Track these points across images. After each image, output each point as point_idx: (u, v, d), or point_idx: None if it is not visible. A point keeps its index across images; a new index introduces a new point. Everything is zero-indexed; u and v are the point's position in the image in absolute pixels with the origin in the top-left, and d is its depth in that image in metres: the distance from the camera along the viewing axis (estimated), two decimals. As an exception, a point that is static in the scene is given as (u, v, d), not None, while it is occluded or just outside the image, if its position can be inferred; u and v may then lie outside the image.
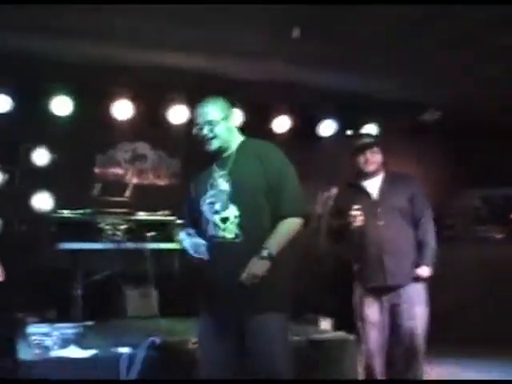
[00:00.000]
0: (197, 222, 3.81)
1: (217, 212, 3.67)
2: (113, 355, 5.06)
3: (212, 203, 3.69)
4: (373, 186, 4.78)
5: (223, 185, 3.69)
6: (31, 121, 6.93)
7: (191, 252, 3.72)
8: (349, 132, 7.91)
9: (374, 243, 4.67)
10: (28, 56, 5.96)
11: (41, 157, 7.19)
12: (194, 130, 3.77)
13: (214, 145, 3.71)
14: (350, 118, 7.95)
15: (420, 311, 4.64)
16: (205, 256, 3.67)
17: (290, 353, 3.73)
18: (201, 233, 3.77)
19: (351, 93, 7.20)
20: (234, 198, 3.64)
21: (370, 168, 4.75)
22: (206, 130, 3.70)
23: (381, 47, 6.03)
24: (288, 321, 3.72)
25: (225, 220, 3.65)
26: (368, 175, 4.77)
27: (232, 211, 3.64)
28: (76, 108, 7.02)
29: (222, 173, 3.72)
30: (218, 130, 3.69)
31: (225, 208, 3.65)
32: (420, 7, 5.14)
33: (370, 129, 7.62)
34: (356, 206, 4.54)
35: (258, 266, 3.52)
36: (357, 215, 4.54)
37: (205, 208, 3.72)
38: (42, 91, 6.85)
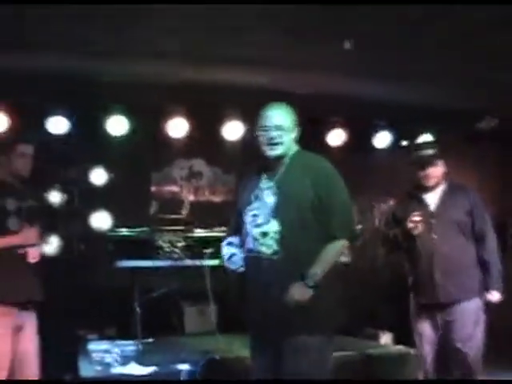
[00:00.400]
0: (239, 232, 3.73)
1: (258, 225, 3.54)
2: (172, 372, 5.09)
3: (255, 216, 3.57)
4: (432, 197, 4.66)
5: (269, 197, 3.56)
6: (88, 141, 7.02)
7: (225, 261, 3.67)
8: (404, 143, 7.83)
9: (426, 258, 4.55)
10: (83, 77, 6.05)
11: (98, 176, 7.29)
12: (258, 133, 3.62)
13: (278, 151, 3.56)
14: (405, 129, 7.87)
15: (474, 331, 4.46)
16: (237, 268, 3.60)
17: (328, 375, 3.56)
18: (241, 244, 3.69)
19: (406, 103, 7.12)
20: (277, 212, 3.50)
21: (430, 183, 4.64)
22: (274, 134, 3.55)
23: (434, 56, 5.95)
24: (330, 343, 3.56)
25: (264, 234, 3.51)
26: (428, 188, 4.67)
27: (273, 226, 3.49)
28: (131, 127, 7.09)
29: (269, 184, 3.59)
30: (287, 137, 3.56)
31: (267, 222, 3.51)
32: (472, 16, 5.06)
33: (426, 139, 7.51)
34: (416, 213, 4.47)
35: (301, 294, 3.38)
36: (417, 221, 4.46)
37: (247, 219, 3.60)
38: (97, 112, 6.95)
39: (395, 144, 7.96)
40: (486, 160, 8.48)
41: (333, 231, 3.49)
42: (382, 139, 7.97)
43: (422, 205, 4.66)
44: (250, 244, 3.57)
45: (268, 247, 3.49)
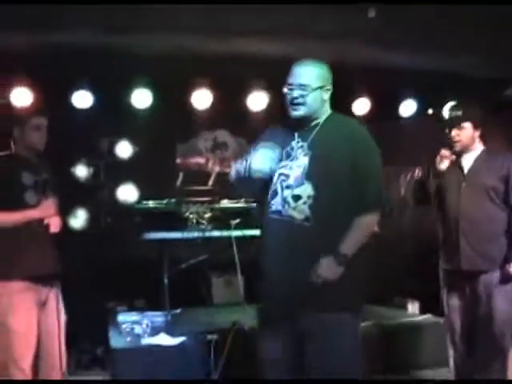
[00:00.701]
0: (261, 190, 3.44)
1: (289, 187, 3.27)
2: (201, 342, 5.13)
3: (285, 175, 3.31)
4: (467, 161, 4.54)
5: (301, 157, 3.29)
6: (112, 115, 7.04)
7: (254, 168, 3.37)
8: (430, 111, 7.75)
9: (453, 221, 4.44)
10: (105, 50, 6.04)
11: (124, 149, 7.33)
12: (284, 90, 3.39)
13: (300, 112, 3.31)
14: (430, 98, 7.79)
15: (502, 305, 4.33)
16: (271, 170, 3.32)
17: (360, 354, 3.37)
18: (263, 204, 3.41)
19: (431, 72, 7.05)
20: (312, 174, 3.23)
21: (458, 145, 4.52)
22: (296, 93, 3.30)
23: (458, 23, 5.87)
24: (358, 320, 3.41)
25: (297, 198, 3.23)
26: (462, 151, 4.55)
27: (307, 189, 3.22)
28: (155, 100, 7.10)
29: (301, 144, 3.32)
30: (310, 97, 3.30)
31: (299, 184, 3.24)
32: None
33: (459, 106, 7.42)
34: (445, 148, 4.40)
35: (332, 271, 3.17)
36: (445, 156, 4.38)
37: (275, 178, 3.34)
38: (121, 85, 6.96)
39: (421, 112, 7.89)
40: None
41: (367, 202, 3.29)
42: (408, 108, 7.91)
43: (456, 168, 4.55)
44: (278, 206, 3.29)
45: (300, 212, 3.23)
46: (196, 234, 6.17)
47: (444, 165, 4.46)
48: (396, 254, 7.40)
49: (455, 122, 4.55)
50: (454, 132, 4.53)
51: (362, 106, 7.57)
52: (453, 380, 4.59)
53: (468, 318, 4.51)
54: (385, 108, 7.79)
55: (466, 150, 4.56)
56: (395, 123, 7.88)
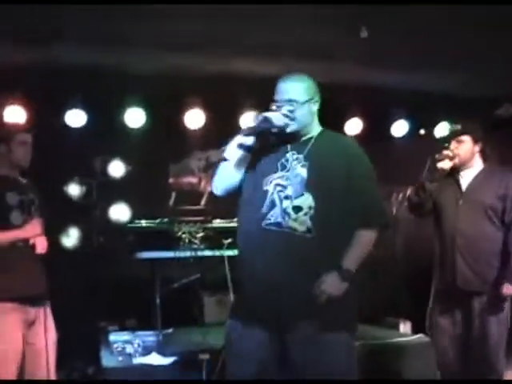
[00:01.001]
0: (247, 202, 3.35)
1: (288, 197, 3.19)
2: (193, 361, 5.11)
3: (282, 186, 3.22)
4: (465, 178, 4.49)
5: (298, 168, 3.22)
6: (105, 134, 7.05)
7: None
8: (422, 131, 7.80)
9: (449, 239, 4.39)
10: (99, 69, 6.07)
11: (116, 169, 7.33)
12: (272, 107, 3.31)
13: (291, 128, 3.26)
14: (423, 118, 7.83)
15: (495, 329, 4.29)
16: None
17: (355, 373, 3.26)
18: (249, 217, 3.29)
19: (423, 91, 7.09)
20: (311, 185, 3.18)
21: (457, 159, 4.44)
22: (284, 110, 3.24)
23: (451, 44, 5.91)
24: (354, 340, 3.31)
25: (298, 209, 3.15)
26: (460, 166, 4.49)
27: (307, 200, 3.16)
28: (148, 119, 7.12)
29: (297, 156, 3.26)
30: (298, 112, 3.25)
31: (299, 195, 3.17)
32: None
33: (444, 127, 7.47)
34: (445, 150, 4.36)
35: (336, 286, 3.12)
36: (445, 155, 4.32)
37: (270, 189, 3.24)
38: (114, 104, 6.97)
39: (413, 132, 7.94)
40: (505, 147, 8.41)
41: (370, 220, 3.26)
42: (400, 128, 7.95)
43: (454, 184, 4.52)
44: (278, 217, 3.18)
45: (301, 224, 3.15)
46: (188, 254, 6.15)
47: (445, 164, 4.40)
48: (389, 272, 7.41)
49: (454, 135, 4.54)
50: (453, 146, 4.48)
51: (353, 126, 7.60)
52: (453, 380, 4.52)
53: (459, 340, 4.46)
54: (376, 128, 7.82)
55: (464, 165, 4.51)
56: (387, 143, 7.91)
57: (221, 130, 7.45)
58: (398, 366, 5.69)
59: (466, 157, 4.50)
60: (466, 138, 4.50)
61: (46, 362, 4.22)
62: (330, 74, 6.46)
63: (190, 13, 5.02)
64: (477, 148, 4.53)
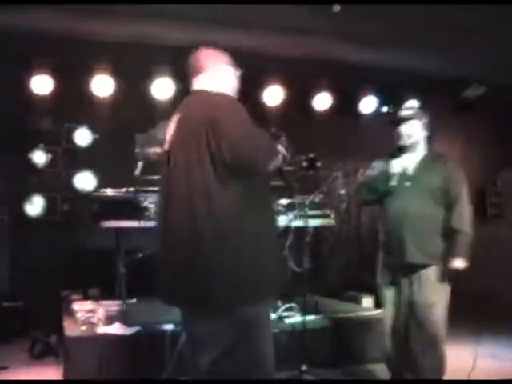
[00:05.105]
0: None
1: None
2: (157, 332, 5.12)
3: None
4: (411, 160, 4.66)
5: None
6: (72, 101, 6.97)
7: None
8: (385, 109, 7.86)
9: (398, 218, 4.57)
10: (67, 36, 5.99)
11: (83, 137, 7.25)
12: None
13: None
14: (391, 95, 7.87)
15: (438, 296, 4.48)
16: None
17: (272, 347, 3.19)
18: None
19: (392, 69, 7.12)
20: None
21: (407, 141, 4.64)
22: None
23: (422, 23, 5.94)
24: (265, 312, 3.27)
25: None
26: (407, 149, 4.67)
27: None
28: (116, 87, 7.05)
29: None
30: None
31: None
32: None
33: (412, 105, 7.52)
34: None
35: None
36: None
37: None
38: (82, 71, 6.89)
39: (381, 109, 7.98)
40: (472, 128, 8.51)
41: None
42: (368, 104, 7.98)
43: (400, 166, 4.65)
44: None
45: None
46: (153, 224, 6.13)
47: (373, 171, 4.73)
48: (353, 248, 7.48)
49: (407, 119, 4.66)
50: (405, 127, 4.65)
51: (322, 101, 7.59)
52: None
53: (404, 308, 4.60)
54: (345, 103, 7.84)
55: (413, 147, 4.67)
56: (355, 118, 7.94)
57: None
58: (361, 339, 5.77)
59: (417, 139, 4.68)
60: (418, 123, 4.68)
61: None
62: (299, 48, 6.47)
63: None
64: (424, 133, 4.69)
